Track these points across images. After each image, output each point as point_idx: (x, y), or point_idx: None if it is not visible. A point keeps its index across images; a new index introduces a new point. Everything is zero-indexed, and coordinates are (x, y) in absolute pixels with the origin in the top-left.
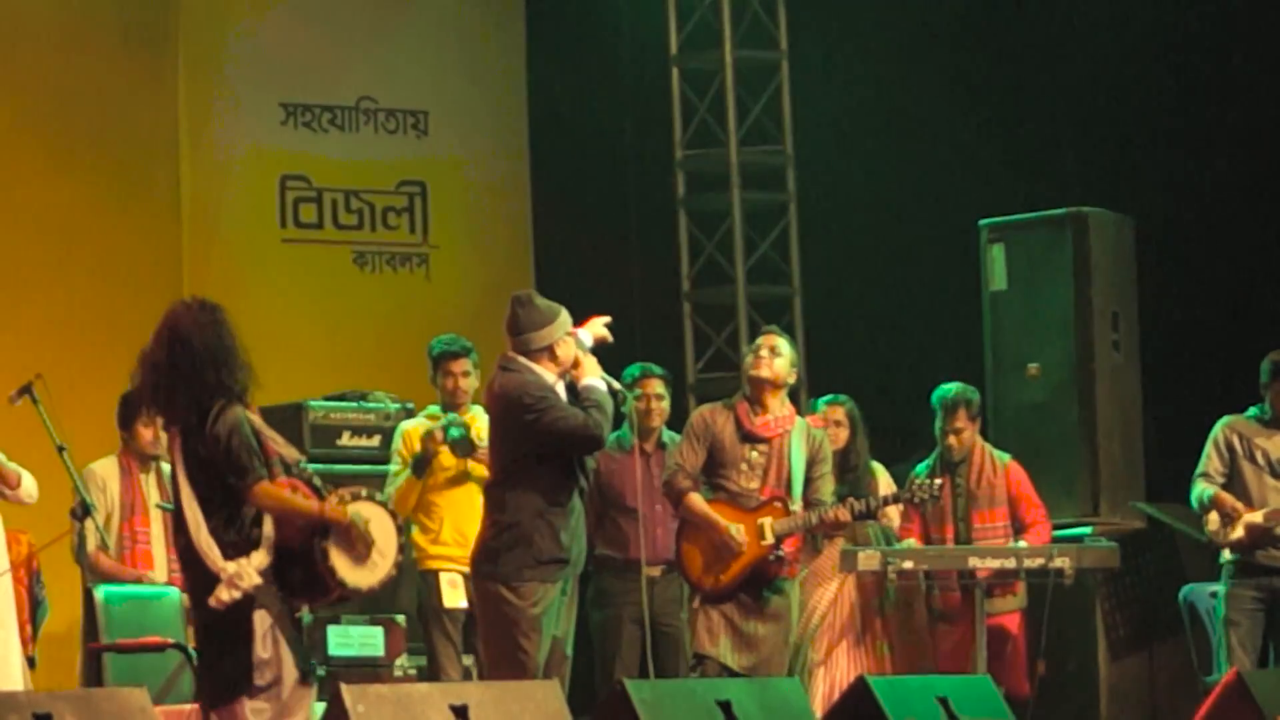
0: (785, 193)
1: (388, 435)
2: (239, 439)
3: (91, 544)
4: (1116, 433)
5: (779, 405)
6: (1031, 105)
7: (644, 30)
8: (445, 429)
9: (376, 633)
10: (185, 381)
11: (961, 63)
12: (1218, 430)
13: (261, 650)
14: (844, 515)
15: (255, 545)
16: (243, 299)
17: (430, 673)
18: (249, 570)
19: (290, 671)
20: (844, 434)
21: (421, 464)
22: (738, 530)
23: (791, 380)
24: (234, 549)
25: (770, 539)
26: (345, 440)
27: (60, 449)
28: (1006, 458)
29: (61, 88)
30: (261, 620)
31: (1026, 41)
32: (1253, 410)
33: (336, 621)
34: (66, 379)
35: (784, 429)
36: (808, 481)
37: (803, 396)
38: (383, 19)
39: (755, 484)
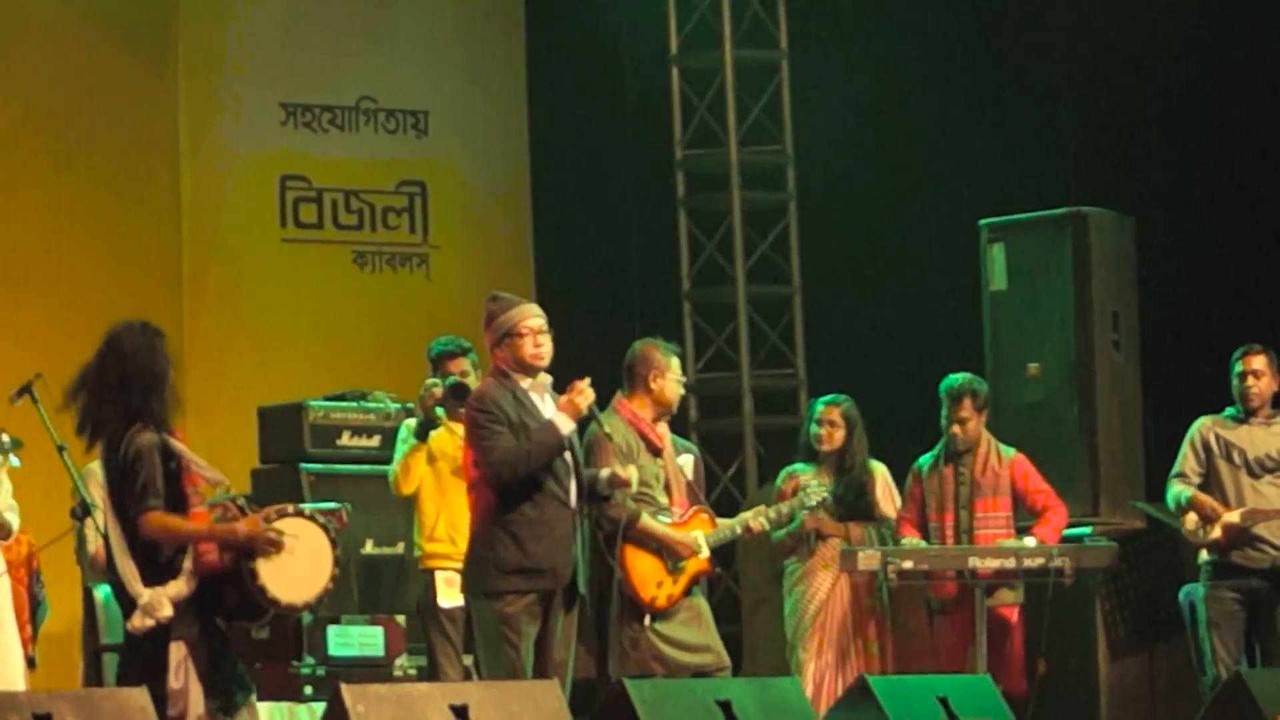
0: (785, 193)
1: (388, 435)
2: (142, 467)
3: (92, 544)
4: (1116, 433)
5: None
6: (1031, 105)
7: (644, 30)
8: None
9: (376, 632)
10: (111, 400)
11: (961, 63)
12: (1194, 430)
13: (174, 681)
14: (762, 525)
15: (176, 574)
16: (243, 299)
17: (430, 672)
18: (163, 600)
19: (196, 706)
20: (840, 434)
21: (424, 428)
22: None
23: None
24: (155, 576)
25: (706, 552)
26: (345, 440)
27: (60, 449)
28: (1012, 452)
29: (61, 88)
30: (176, 651)
31: (1026, 41)
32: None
33: (336, 621)
34: (66, 379)
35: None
36: None
37: (802, 396)
38: (383, 19)
39: (665, 498)
